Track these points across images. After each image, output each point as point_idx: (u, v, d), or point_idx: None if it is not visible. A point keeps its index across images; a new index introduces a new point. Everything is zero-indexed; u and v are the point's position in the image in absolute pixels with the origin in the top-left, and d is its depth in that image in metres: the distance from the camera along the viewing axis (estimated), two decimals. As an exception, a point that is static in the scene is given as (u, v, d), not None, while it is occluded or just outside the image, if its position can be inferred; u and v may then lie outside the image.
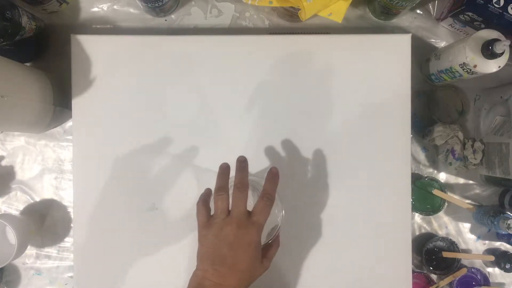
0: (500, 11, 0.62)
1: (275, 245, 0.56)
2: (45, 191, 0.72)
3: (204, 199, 0.55)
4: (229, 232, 0.49)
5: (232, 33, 0.72)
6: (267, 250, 0.54)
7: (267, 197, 0.51)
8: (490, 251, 0.74)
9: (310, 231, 0.67)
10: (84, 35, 0.66)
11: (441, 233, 0.74)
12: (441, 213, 0.73)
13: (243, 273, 0.49)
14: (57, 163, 0.72)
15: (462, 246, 0.74)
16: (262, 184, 0.54)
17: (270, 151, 0.67)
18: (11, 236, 0.69)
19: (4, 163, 0.72)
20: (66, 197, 0.72)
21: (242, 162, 0.54)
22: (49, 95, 0.65)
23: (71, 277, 0.71)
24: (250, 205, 0.63)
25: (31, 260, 0.72)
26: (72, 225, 0.71)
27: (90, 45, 0.66)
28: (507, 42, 0.56)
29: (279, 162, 0.67)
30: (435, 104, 0.73)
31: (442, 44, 0.73)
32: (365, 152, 0.68)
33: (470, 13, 0.64)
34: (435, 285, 0.71)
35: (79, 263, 0.67)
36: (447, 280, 0.71)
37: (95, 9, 0.71)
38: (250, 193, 0.62)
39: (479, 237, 0.74)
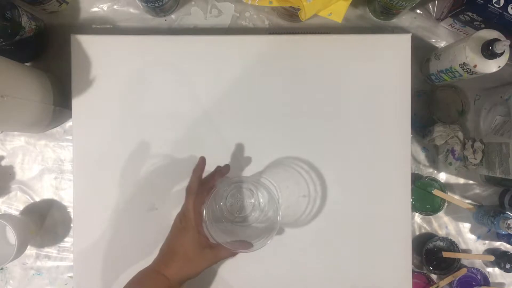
0: (500, 11, 0.62)
1: (227, 251, 0.57)
2: (45, 191, 0.72)
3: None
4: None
5: (232, 33, 0.72)
6: (219, 250, 0.56)
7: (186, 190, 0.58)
8: (490, 251, 0.74)
9: (309, 231, 0.67)
10: (84, 35, 0.66)
11: (441, 233, 0.74)
12: (441, 213, 0.73)
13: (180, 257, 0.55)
14: (57, 163, 0.72)
15: (462, 246, 0.74)
16: (257, 183, 0.54)
17: (269, 151, 0.67)
18: (11, 236, 0.69)
19: (4, 163, 0.72)
20: (66, 197, 0.72)
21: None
22: (49, 95, 0.65)
23: (71, 277, 0.71)
24: (249, 203, 0.64)
25: (31, 260, 0.72)
26: (72, 225, 0.71)
27: (90, 45, 0.66)
28: (507, 42, 0.56)
29: (278, 162, 0.67)
30: (435, 104, 0.73)
31: (442, 44, 0.73)
32: (365, 152, 0.68)
33: (470, 13, 0.64)
34: (435, 285, 0.71)
35: (79, 263, 0.67)
36: (447, 280, 0.71)
37: (95, 9, 0.71)
38: (247, 193, 0.62)
39: (479, 237, 0.74)
